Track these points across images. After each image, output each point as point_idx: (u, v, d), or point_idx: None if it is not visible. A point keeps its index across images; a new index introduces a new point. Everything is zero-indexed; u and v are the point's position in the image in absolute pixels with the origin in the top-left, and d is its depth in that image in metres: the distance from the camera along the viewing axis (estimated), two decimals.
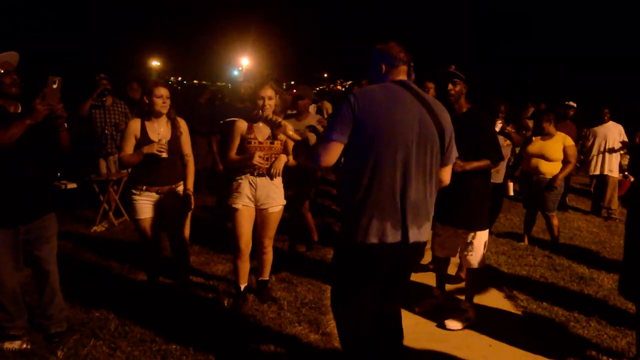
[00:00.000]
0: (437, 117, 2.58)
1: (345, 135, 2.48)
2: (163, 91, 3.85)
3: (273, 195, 4.06)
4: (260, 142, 3.97)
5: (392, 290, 2.80)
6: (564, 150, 5.88)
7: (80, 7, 31.04)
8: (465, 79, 3.88)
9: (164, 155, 3.79)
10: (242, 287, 4.21)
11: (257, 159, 3.84)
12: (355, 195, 2.52)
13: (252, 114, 3.98)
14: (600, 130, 7.96)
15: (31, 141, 3.03)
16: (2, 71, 3.03)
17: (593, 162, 8.01)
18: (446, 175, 2.79)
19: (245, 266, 4.16)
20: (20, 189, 3.12)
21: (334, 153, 2.50)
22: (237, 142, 4.01)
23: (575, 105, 8.77)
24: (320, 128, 3.04)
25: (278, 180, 4.09)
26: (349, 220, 2.55)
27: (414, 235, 2.55)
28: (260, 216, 4.12)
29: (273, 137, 3.99)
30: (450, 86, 3.84)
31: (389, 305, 2.86)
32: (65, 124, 3.17)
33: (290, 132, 2.98)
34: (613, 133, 7.85)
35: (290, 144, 3.94)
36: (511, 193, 6.32)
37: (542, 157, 5.93)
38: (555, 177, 5.85)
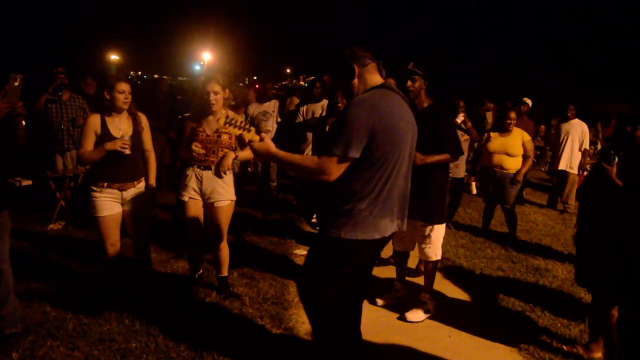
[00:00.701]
0: (413, 116, 2.73)
1: (354, 152, 2.43)
2: (125, 86, 3.78)
3: (219, 189, 4.07)
4: (207, 135, 4.01)
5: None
6: (523, 146, 6.04)
7: (37, 1, 30.10)
8: (424, 75, 3.94)
9: (127, 152, 3.72)
10: (196, 275, 4.40)
11: (193, 147, 3.89)
12: (363, 196, 2.51)
13: (204, 108, 4.05)
14: (564, 126, 8.20)
15: None
16: None
17: (556, 157, 8.24)
18: None
19: (197, 256, 4.36)
20: None
21: (344, 169, 2.47)
22: (185, 136, 4.06)
23: (530, 101, 9.01)
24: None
25: (227, 176, 4.10)
26: (353, 218, 2.52)
27: (402, 227, 2.74)
28: (208, 211, 4.14)
29: (218, 134, 4.03)
30: (409, 83, 3.90)
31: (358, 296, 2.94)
32: (23, 122, 3.10)
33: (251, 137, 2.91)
34: (576, 130, 8.07)
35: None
36: (474, 192, 6.48)
37: (505, 153, 6.06)
38: (518, 172, 6.01)
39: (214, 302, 4.16)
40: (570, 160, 8.05)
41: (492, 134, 6.25)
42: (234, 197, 4.18)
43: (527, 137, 6.14)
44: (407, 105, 2.68)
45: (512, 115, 6.15)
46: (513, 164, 6.07)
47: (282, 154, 2.66)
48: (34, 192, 6.25)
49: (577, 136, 8.03)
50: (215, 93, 3.96)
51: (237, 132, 2.81)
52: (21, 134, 3.17)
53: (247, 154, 3.95)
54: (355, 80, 2.66)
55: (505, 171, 6.08)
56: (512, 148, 6.03)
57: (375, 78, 2.67)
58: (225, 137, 4.04)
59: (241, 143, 2.77)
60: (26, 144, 3.31)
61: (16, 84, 2.93)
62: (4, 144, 3.16)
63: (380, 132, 2.44)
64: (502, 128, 6.14)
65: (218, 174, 4.03)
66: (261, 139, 2.69)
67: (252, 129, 2.84)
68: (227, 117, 2.93)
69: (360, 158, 2.45)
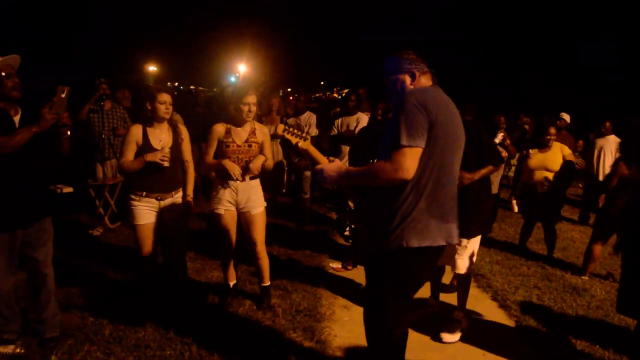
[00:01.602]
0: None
1: (421, 139, 2.35)
2: (166, 97, 3.85)
3: (254, 197, 4.16)
4: (238, 146, 4.07)
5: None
6: (564, 158, 5.94)
7: (80, 13, 31.08)
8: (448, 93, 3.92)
9: (166, 164, 3.78)
10: (231, 284, 4.44)
11: (234, 174, 3.98)
12: (419, 200, 2.45)
13: (235, 119, 4.10)
14: (599, 142, 8.09)
15: (32, 146, 3.05)
16: (3, 74, 3.04)
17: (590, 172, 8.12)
18: None
19: (231, 266, 4.41)
20: (20, 193, 3.13)
21: (418, 160, 2.37)
22: (213, 146, 4.10)
23: (567, 116, 8.87)
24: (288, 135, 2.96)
25: (256, 183, 4.19)
26: (411, 224, 2.44)
27: (455, 233, 2.64)
28: (245, 220, 4.20)
29: (247, 143, 4.09)
30: None
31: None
32: (68, 132, 3.20)
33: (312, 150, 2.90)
34: (610, 146, 7.95)
35: (267, 145, 4.20)
36: (516, 210, 6.41)
37: (545, 168, 5.97)
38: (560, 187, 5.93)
39: (247, 312, 4.19)
40: (605, 174, 7.90)
41: (530, 150, 6.15)
42: (265, 204, 4.27)
43: (568, 151, 6.05)
44: (456, 108, 2.64)
45: (552, 130, 6.06)
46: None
47: (353, 169, 2.62)
48: (75, 199, 6.43)
49: (609, 151, 7.88)
50: (254, 104, 4.05)
51: (295, 140, 2.86)
52: (65, 143, 3.27)
53: (269, 164, 4.18)
54: (412, 86, 2.60)
55: (546, 187, 5.99)
56: (553, 163, 5.93)
57: (430, 83, 2.65)
58: (254, 146, 4.12)
59: (297, 152, 2.79)
60: (70, 153, 3.41)
61: (63, 95, 3.04)
62: (48, 152, 3.27)
63: (438, 124, 2.38)
64: (542, 144, 6.06)
65: (244, 173, 4.07)
66: (331, 161, 2.71)
67: (309, 137, 2.89)
68: (286, 124, 3.00)
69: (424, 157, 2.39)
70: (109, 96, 6.72)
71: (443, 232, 2.51)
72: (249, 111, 4.03)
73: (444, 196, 2.50)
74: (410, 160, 2.34)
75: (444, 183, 2.49)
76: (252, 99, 4.04)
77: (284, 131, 2.90)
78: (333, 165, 2.66)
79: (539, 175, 6.01)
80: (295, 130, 2.92)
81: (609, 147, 7.98)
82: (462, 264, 4.00)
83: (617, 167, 5.41)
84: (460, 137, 2.59)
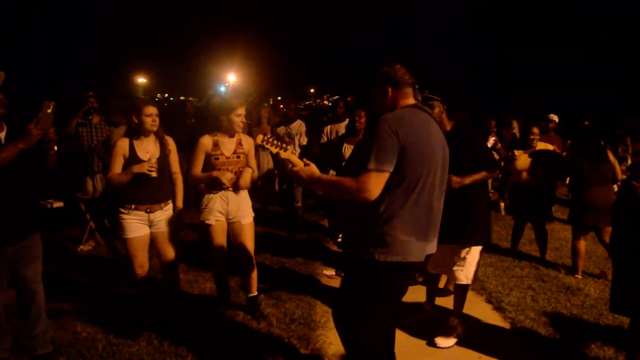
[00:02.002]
0: (445, 139, 2.73)
1: (389, 165, 2.45)
2: (152, 109, 3.85)
3: (244, 207, 4.19)
4: (227, 157, 4.08)
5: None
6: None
7: (67, 26, 30.99)
8: (442, 100, 3.92)
9: (154, 174, 3.77)
10: (225, 295, 4.48)
11: (227, 181, 4.00)
12: (392, 217, 2.51)
13: (225, 130, 4.12)
14: None
15: (19, 162, 3.02)
16: None
17: None
18: None
19: (224, 276, 4.41)
20: (7, 210, 3.10)
21: (383, 184, 2.46)
22: (200, 159, 4.10)
23: (556, 117, 8.91)
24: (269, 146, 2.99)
25: (245, 194, 4.23)
26: (385, 238, 2.51)
27: (433, 249, 2.71)
28: (233, 230, 4.20)
29: (237, 154, 4.13)
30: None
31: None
32: (55, 147, 3.18)
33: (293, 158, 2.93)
34: None
35: (252, 155, 4.24)
36: (503, 213, 6.45)
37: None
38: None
39: (241, 322, 4.17)
40: None
41: (516, 152, 6.18)
42: (253, 214, 4.30)
43: (552, 148, 6.09)
44: (437, 125, 2.69)
45: (535, 130, 6.10)
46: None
47: (324, 177, 2.75)
48: (65, 213, 6.37)
49: None
50: (244, 116, 4.12)
51: (274, 150, 2.86)
52: (52, 158, 3.26)
53: (254, 174, 4.23)
54: (388, 102, 2.68)
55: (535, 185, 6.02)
56: None
57: (408, 101, 2.69)
58: (243, 157, 4.16)
59: (277, 161, 2.83)
60: (57, 167, 3.39)
61: (49, 110, 3.02)
62: (36, 168, 3.25)
63: (409, 147, 2.46)
64: (527, 145, 6.09)
65: (236, 190, 4.12)
66: (306, 164, 2.75)
67: (289, 148, 2.90)
68: (265, 135, 3.01)
69: (392, 175, 2.46)
70: (96, 109, 6.67)
71: (416, 249, 2.57)
72: (242, 122, 4.09)
73: (417, 213, 2.55)
74: (374, 183, 2.44)
75: (418, 202, 2.54)
76: (243, 110, 4.12)
77: (262, 141, 2.93)
78: (307, 170, 2.73)
79: (526, 175, 6.04)
80: (275, 141, 2.97)
81: None
82: (462, 275, 3.98)
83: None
84: (439, 156, 2.62)
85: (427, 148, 2.54)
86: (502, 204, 6.55)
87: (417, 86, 2.73)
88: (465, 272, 3.98)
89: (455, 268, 4.00)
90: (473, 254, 3.98)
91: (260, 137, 2.99)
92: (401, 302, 2.93)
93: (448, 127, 3.93)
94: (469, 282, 4.02)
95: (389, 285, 2.64)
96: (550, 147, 6.12)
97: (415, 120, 2.56)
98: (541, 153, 6.01)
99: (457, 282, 4.05)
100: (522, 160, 6.06)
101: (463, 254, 3.96)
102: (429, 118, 2.65)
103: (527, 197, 6.10)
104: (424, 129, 2.57)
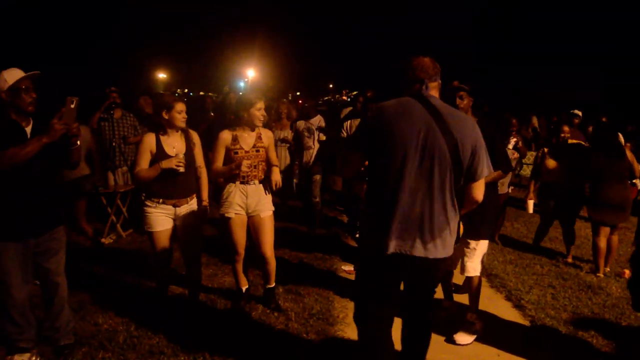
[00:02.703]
0: (449, 128, 2.52)
1: (358, 146, 2.68)
2: (182, 106, 3.89)
3: (264, 201, 4.20)
4: (246, 152, 4.10)
5: (409, 300, 2.87)
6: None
7: (88, 21, 31.34)
8: (470, 92, 3.90)
9: (182, 169, 3.79)
10: (244, 289, 4.43)
11: (244, 168, 4.01)
12: (367, 206, 2.65)
13: (244, 124, 4.15)
14: None
15: (43, 156, 3.08)
16: (24, 87, 3.09)
17: None
18: (476, 191, 2.69)
19: (241, 270, 4.40)
20: (31, 203, 3.16)
21: (349, 163, 2.81)
22: (221, 153, 4.13)
23: (580, 113, 8.78)
24: None
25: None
26: (362, 229, 2.69)
27: (406, 250, 2.56)
28: (253, 223, 4.21)
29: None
30: (458, 101, 3.82)
31: (409, 314, 2.92)
32: (78, 142, 3.23)
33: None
34: None
35: (272, 148, 4.29)
36: (531, 211, 6.41)
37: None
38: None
39: (260, 316, 4.19)
40: None
41: (546, 149, 6.11)
42: (273, 208, 4.30)
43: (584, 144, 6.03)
44: (432, 114, 2.54)
45: (566, 129, 6.03)
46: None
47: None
48: (86, 207, 6.47)
49: None
50: (260, 109, 4.13)
51: None
52: (75, 152, 3.31)
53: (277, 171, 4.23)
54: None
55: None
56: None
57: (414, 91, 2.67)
58: (262, 151, 4.17)
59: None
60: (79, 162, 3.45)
61: (72, 106, 3.07)
62: (59, 162, 3.31)
63: (373, 130, 2.58)
64: (558, 143, 6.01)
65: (268, 189, 4.18)
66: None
67: None
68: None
69: (370, 164, 2.66)
70: (118, 104, 6.76)
71: (381, 241, 2.55)
72: (262, 115, 4.13)
73: (383, 205, 2.55)
74: (342, 163, 2.98)
75: (383, 191, 2.55)
76: (262, 104, 4.15)
77: None
78: None
79: (557, 173, 5.96)
80: None
81: None
82: (471, 267, 3.97)
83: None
84: (413, 139, 2.50)
85: (391, 134, 2.56)
86: (531, 202, 6.48)
87: (426, 80, 2.66)
88: (473, 264, 3.97)
89: (463, 259, 4.00)
90: (481, 247, 3.98)
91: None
92: (420, 300, 2.91)
93: None
94: (477, 273, 4.00)
95: (369, 274, 2.81)
96: (582, 143, 6.07)
97: (390, 107, 2.63)
98: (572, 149, 5.95)
99: (466, 275, 4.04)
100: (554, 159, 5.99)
101: (472, 246, 3.95)
102: (416, 105, 2.58)
103: (558, 195, 6.04)
104: (394, 116, 2.59)
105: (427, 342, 2.91)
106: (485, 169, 2.64)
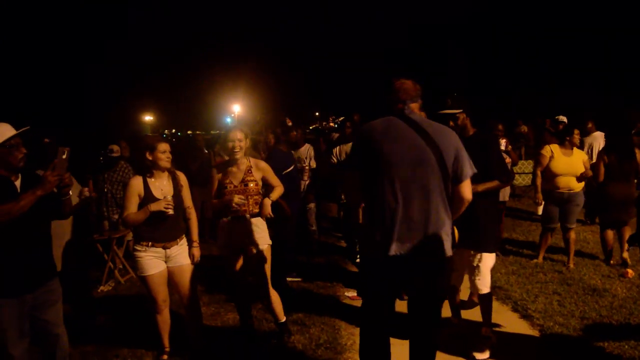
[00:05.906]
0: (433, 140, 2.80)
1: (354, 166, 2.91)
2: (166, 146, 3.86)
3: (256, 235, 4.14)
4: (235, 186, 4.11)
5: (415, 302, 2.98)
6: (584, 164, 5.93)
7: (73, 69, 31.58)
8: (466, 108, 3.91)
9: (171, 212, 3.77)
10: (249, 325, 4.44)
11: (235, 202, 4.01)
12: (366, 215, 2.88)
13: (224, 158, 4.21)
14: (587, 140, 8.06)
15: (36, 208, 3.05)
16: (13, 143, 3.07)
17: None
18: (464, 191, 2.94)
19: (244, 306, 4.40)
20: (25, 257, 3.11)
21: (349, 183, 3.03)
22: (215, 187, 4.18)
23: (565, 119, 8.89)
24: None
25: (260, 222, 4.19)
26: (362, 237, 2.89)
27: (414, 250, 2.76)
28: (248, 257, 4.20)
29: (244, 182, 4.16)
30: (451, 123, 3.85)
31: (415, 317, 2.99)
32: (70, 192, 3.21)
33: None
34: (598, 142, 7.98)
35: (271, 175, 4.31)
36: (540, 213, 6.47)
37: (571, 174, 5.93)
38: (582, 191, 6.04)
39: (268, 352, 4.13)
40: None
41: (551, 147, 6.07)
42: (269, 242, 4.25)
43: (586, 157, 6.09)
44: (415, 129, 2.82)
45: (577, 131, 6.11)
46: (578, 184, 5.96)
47: None
48: (83, 255, 6.39)
49: (597, 147, 7.93)
50: (239, 140, 4.08)
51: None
52: (68, 203, 3.30)
53: (278, 193, 4.24)
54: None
55: (572, 191, 5.96)
56: (577, 168, 5.90)
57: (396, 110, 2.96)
58: (252, 184, 4.15)
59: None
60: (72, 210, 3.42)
61: (64, 156, 3.06)
62: (51, 214, 3.29)
63: (367, 151, 2.84)
64: (567, 145, 6.04)
65: (263, 216, 4.16)
66: None
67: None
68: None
69: (365, 180, 2.86)
70: (124, 158, 6.78)
71: (380, 247, 2.77)
72: (234, 147, 4.06)
73: (382, 213, 2.78)
74: (348, 177, 3.04)
75: (384, 200, 2.77)
76: (236, 135, 4.09)
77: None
78: None
79: (566, 181, 5.93)
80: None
81: (597, 143, 7.98)
82: (481, 284, 3.95)
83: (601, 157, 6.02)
84: (405, 158, 2.77)
85: (383, 151, 2.82)
86: (540, 208, 6.51)
87: (408, 101, 2.97)
88: (483, 281, 3.95)
89: (472, 278, 4.00)
90: (485, 262, 3.95)
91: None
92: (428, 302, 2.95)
93: (470, 132, 3.93)
94: (488, 289, 3.98)
95: (368, 278, 3.05)
96: (583, 153, 6.17)
97: (377, 127, 2.90)
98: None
99: (479, 293, 4.01)
100: (562, 164, 5.94)
101: (476, 262, 3.94)
102: (400, 123, 2.87)
103: (565, 204, 6.07)
104: (381, 135, 2.86)
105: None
106: (469, 169, 2.93)
